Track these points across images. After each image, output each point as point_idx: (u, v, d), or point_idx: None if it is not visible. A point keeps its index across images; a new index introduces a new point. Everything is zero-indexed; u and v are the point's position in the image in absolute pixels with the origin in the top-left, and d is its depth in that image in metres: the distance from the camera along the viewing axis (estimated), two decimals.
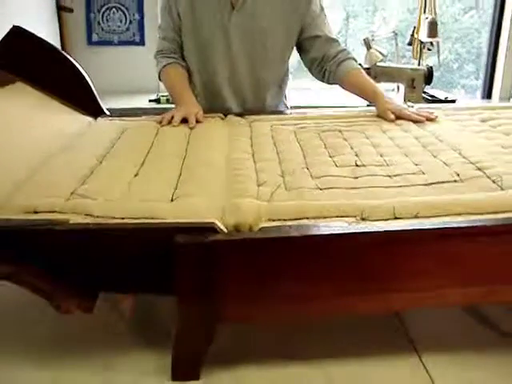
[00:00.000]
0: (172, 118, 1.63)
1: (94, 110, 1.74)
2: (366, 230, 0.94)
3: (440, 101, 3.43)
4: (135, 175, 1.20)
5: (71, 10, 3.37)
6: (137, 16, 3.48)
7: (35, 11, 2.94)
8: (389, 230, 0.94)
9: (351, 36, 6.98)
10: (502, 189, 1.10)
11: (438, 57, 3.57)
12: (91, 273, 0.97)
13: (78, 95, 1.72)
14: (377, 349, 1.07)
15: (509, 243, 0.96)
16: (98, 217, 0.98)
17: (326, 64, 1.86)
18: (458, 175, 1.18)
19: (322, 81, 1.93)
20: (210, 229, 0.94)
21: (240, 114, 1.76)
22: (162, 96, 3.33)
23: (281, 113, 1.90)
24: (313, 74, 1.95)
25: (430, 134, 1.50)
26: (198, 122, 1.63)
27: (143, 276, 0.97)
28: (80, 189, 1.09)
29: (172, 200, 1.07)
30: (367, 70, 3.32)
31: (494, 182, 1.14)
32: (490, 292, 0.99)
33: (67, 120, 1.62)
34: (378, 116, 1.69)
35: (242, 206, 1.01)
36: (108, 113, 1.78)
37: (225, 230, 0.95)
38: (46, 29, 3.04)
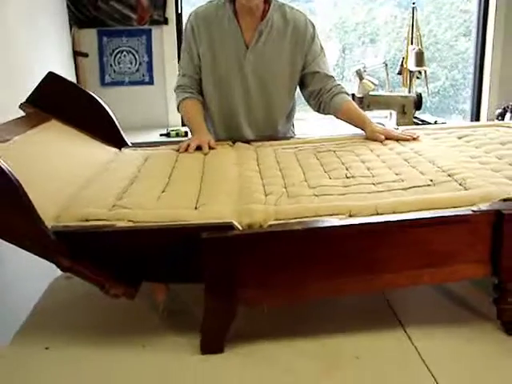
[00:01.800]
0: (188, 146, 1.88)
1: (119, 142, 1.99)
2: (353, 223, 1.18)
3: (430, 124, 3.68)
4: (162, 191, 1.44)
5: (86, 55, 3.67)
6: (146, 58, 3.77)
7: (55, 56, 3.23)
8: (370, 222, 1.18)
9: (348, 67, 7.28)
10: (465, 189, 1.34)
11: (427, 84, 3.84)
12: (133, 266, 1.21)
13: (105, 130, 1.97)
14: (368, 324, 1.30)
15: (464, 230, 1.20)
16: (137, 222, 1.22)
17: (322, 97, 2.12)
18: (432, 181, 1.42)
19: (318, 111, 2.18)
20: (229, 227, 1.18)
21: (249, 141, 2.01)
22: (172, 130, 3.60)
23: (287, 139, 2.15)
24: (310, 106, 2.21)
25: (410, 150, 1.74)
26: (210, 148, 1.88)
27: (175, 267, 1.21)
28: (119, 202, 1.33)
29: (196, 208, 1.31)
30: (360, 99, 3.59)
31: (460, 184, 1.38)
32: (454, 271, 1.22)
33: (96, 150, 1.87)
34: (367, 138, 1.94)
35: (253, 209, 1.25)
36: (130, 144, 2.02)
37: (240, 228, 1.19)
38: (64, 72, 3.30)
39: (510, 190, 1.30)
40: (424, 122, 3.75)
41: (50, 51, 3.18)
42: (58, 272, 1.47)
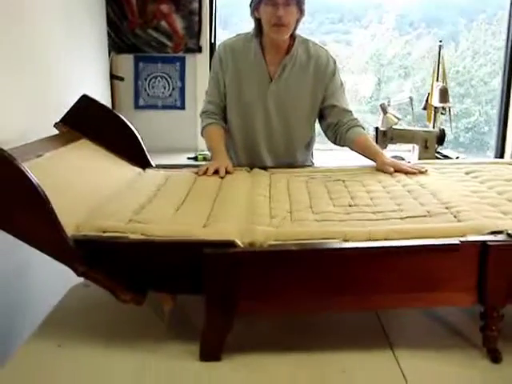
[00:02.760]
0: (207, 169, 2.00)
1: (143, 163, 2.12)
2: (345, 246, 1.28)
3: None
4: (177, 209, 1.56)
5: (122, 79, 3.86)
6: (179, 84, 3.94)
7: (93, 79, 3.41)
8: (361, 247, 1.27)
9: (383, 100, 7.30)
10: (458, 221, 1.42)
11: (450, 120, 3.91)
12: (142, 275, 1.33)
13: (131, 151, 2.10)
14: (358, 342, 1.38)
15: (452, 259, 1.28)
16: (149, 235, 1.34)
17: (338, 129, 2.23)
18: (429, 212, 1.50)
19: (334, 143, 2.30)
20: (231, 245, 1.28)
21: (265, 168, 2.12)
22: (200, 154, 3.73)
23: (303, 167, 2.25)
24: (327, 137, 2.32)
25: (415, 183, 1.82)
26: (228, 173, 2.00)
27: (180, 279, 1.32)
28: (136, 217, 1.45)
29: (204, 226, 1.42)
30: (384, 132, 3.67)
31: (454, 216, 1.46)
32: (442, 297, 1.30)
33: (122, 169, 2.00)
34: (377, 170, 2.03)
35: (255, 229, 1.36)
36: (154, 165, 2.15)
37: (241, 246, 1.29)
38: (100, 94, 3.49)
39: (500, 224, 1.38)
40: (446, 157, 3.81)
41: (90, 74, 3.37)
42: (78, 280, 1.60)
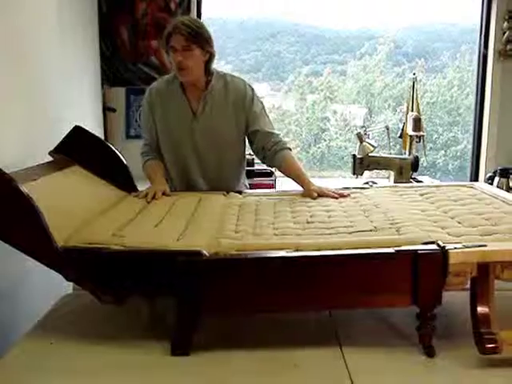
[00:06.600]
0: (146, 194, 2.20)
1: (130, 187, 2.34)
2: (292, 255, 1.49)
3: None
4: (155, 226, 1.77)
5: (114, 110, 4.10)
6: None
7: (87, 110, 3.65)
8: (307, 255, 1.49)
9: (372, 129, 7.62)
10: (399, 234, 1.64)
11: (424, 148, 4.15)
12: (122, 280, 1.54)
13: (119, 176, 2.32)
14: (312, 341, 1.59)
15: (388, 266, 1.49)
16: (128, 247, 1.55)
17: (265, 153, 2.42)
18: (376, 227, 1.72)
19: (265, 164, 2.53)
20: (198, 254, 1.50)
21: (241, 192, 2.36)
22: None
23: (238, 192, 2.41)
24: (259, 159, 2.55)
25: (371, 203, 2.04)
26: (165, 195, 2.21)
27: (154, 283, 1.53)
28: (117, 232, 1.67)
29: (178, 240, 1.63)
30: (361, 159, 3.89)
31: (396, 230, 1.67)
32: (381, 299, 1.51)
33: (110, 192, 2.22)
34: (303, 195, 2.22)
35: (220, 242, 1.58)
36: (139, 190, 2.37)
37: (207, 255, 1.51)
38: (93, 124, 3.72)
39: (433, 236, 1.59)
40: (420, 183, 4.03)
41: (84, 105, 3.61)
42: (67, 290, 1.82)
